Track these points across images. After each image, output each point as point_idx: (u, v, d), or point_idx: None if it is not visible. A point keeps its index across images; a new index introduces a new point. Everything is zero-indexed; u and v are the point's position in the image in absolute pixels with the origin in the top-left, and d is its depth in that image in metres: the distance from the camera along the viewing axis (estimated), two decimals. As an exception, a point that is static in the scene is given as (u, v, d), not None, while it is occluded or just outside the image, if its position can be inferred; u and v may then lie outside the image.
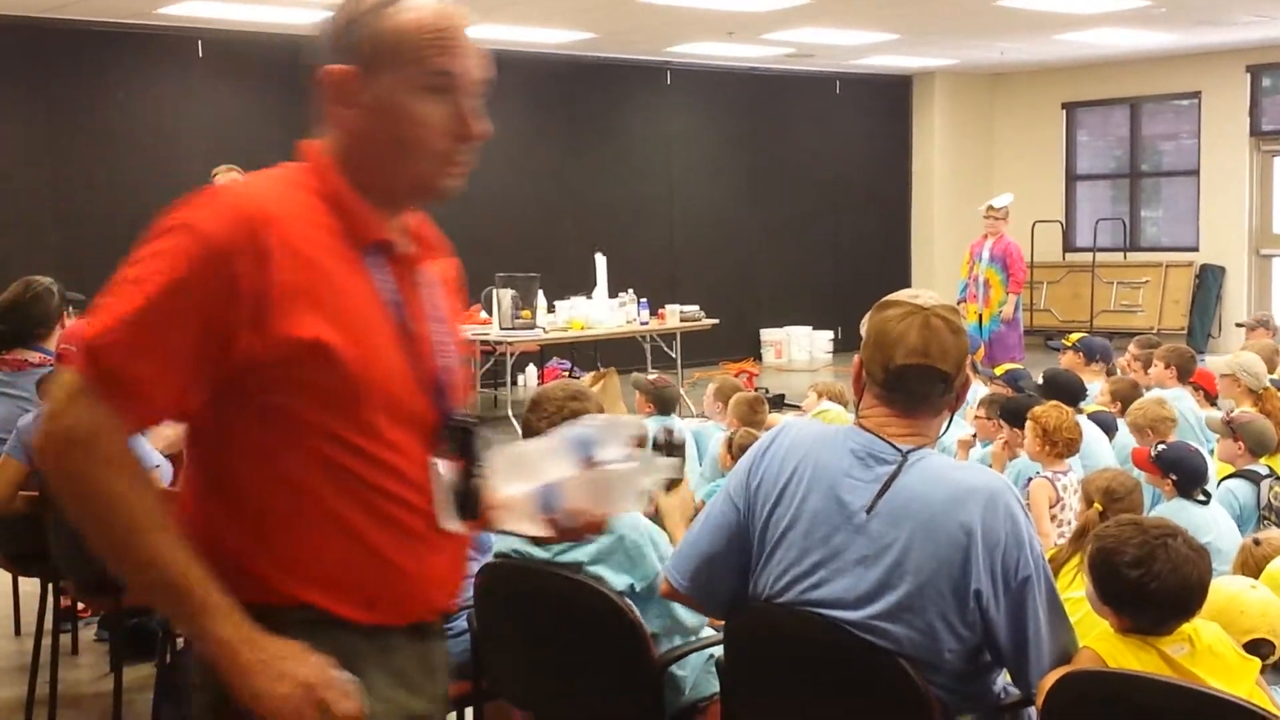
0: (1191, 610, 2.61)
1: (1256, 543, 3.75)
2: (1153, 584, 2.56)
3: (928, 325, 2.38)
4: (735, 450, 5.43)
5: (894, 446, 2.38)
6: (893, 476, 2.34)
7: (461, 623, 3.26)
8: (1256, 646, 2.99)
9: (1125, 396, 6.39)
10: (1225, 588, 3.07)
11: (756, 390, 9.61)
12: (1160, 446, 4.76)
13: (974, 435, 5.80)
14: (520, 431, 3.06)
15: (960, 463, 2.50)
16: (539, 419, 3.01)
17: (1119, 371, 7.52)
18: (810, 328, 14.93)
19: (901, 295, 2.47)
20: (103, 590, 4.28)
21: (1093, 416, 5.90)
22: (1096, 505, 3.81)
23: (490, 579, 3.00)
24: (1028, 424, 5.09)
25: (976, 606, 2.29)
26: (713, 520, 2.55)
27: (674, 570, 2.60)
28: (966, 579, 2.28)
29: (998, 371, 7.37)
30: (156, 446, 4.42)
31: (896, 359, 2.39)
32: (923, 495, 2.32)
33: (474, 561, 3.30)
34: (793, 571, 2.40)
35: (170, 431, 4.71)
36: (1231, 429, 5.29)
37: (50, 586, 4.73)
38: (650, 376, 6.81)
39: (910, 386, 2.40)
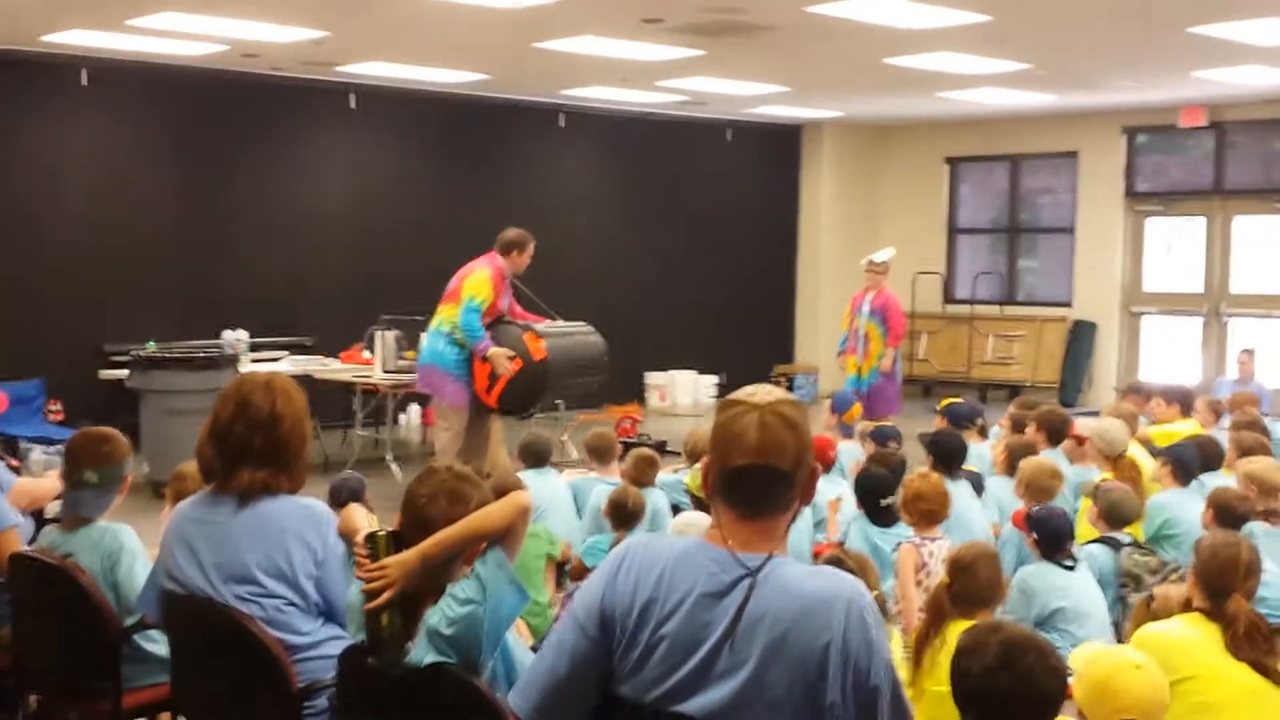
0: None
1: (1151, 598, 3.84)
2: (999, 695, 2.58)
3: (762, 424, 2.37)
4: (610, 508, 5.49)
5: (743, 564, 2.36)
6: (743, 604, 2.32)
7: (322, 701, 3.23)
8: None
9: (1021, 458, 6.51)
10: (1105, 661, 3.06)
11: (640, 437, 9.69)
12: (1035, 508, 4.92)
13: (839, 499, 5.91)
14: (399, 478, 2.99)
15: (809, 569, 2.47)
16: (421, 491, 2.97)
17: (997, 429, 7.72)
18: (695, 371, 15.03)
19: (740, 394, 2.45)
20: None
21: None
22: (944, 578, 3.90)
23: (354, 660, 2.96)
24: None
25: (830, 718, 2.30)
26: (562, 648, 2.49)
27: (520, 699, 2.53)
28: (821, 694, 2.28)
29: (867, 428, 7.53)
30: (18, 504, 4.32)
31: (734, 460, 2.38)
32: (774, 613, 2.32)
33: (339, 640, 3.26)
34: (654, 691, 2.38)
35: (30, 487, 4.63)
36: (1094, 495, 5.47)
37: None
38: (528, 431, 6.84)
39: (750, 487, 2.39)
